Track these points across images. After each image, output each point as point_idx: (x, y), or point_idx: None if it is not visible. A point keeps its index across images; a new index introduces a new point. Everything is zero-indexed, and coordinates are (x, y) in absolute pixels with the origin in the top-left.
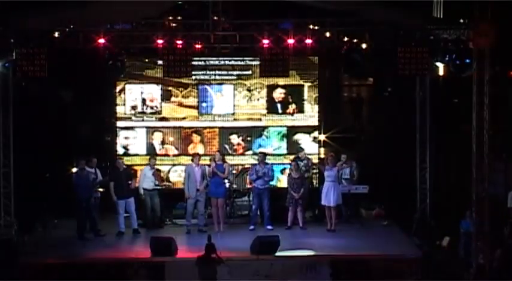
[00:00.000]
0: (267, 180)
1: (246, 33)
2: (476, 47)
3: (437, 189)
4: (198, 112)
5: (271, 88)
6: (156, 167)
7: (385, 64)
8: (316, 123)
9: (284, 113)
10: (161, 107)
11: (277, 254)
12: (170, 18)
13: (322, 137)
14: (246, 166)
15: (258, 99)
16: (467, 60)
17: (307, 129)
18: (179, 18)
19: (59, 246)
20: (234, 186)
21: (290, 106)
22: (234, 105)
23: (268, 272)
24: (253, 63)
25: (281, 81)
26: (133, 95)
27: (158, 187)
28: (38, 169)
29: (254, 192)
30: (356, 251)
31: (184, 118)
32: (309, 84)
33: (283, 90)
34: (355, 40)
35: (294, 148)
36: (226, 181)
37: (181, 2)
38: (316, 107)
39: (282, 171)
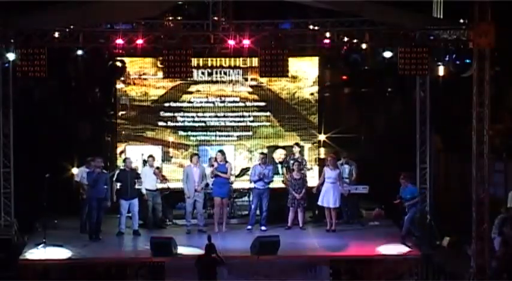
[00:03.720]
0: (267, 181)
1: (246, 33)
2: (476, 47)
3: (437, 189)
4: None
5: (271, 149)
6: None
7: (385, 64)
8: (316, 183)
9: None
10: (162, 168)
11: (277, 254)
12: (170, 18)
13: (322, 137)
14: (246, 167)
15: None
16: (467, 60)
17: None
18: (179, 18)
19: (59, 246)
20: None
21: None
22: (235, 166)
23: (268, 272)
24: (253, 124)
25: (281, 142)
26: (134, 156)
27: (160, 187)
28: (38, 169)
29: (254, 192)
30: (356, 251)
31: None
32: (309, 145)
33: (283, 151)
34: (355, 40)
35: None
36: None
37: (181, 2)
38: (316, 168)
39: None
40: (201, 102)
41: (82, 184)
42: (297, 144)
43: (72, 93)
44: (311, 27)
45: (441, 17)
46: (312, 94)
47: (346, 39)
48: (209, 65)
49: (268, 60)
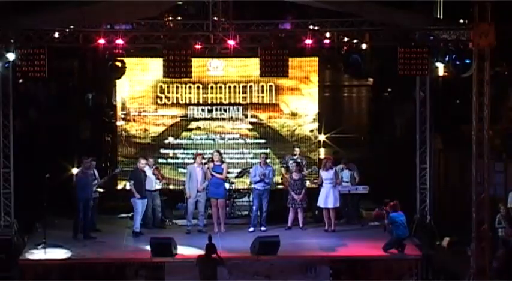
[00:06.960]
0: (267, 182)
1: (246, 33)
2: (476, 47)
3: (437, 190)
4: None
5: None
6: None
7: (385, 64)
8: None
9: None
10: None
11: (277, 254)
12: (170, 18)
13: (322, 137)
14: (246, 167)
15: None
16: (467, 61)
17: None
18: (179, 18)
19: (59, 246)
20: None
21: None
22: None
23: (268, 272)
24: (253, 161)
25: (280, 180)
26: None
27: (160, 188)
28: (38, 169)
29: (254, 193)
30: (356, 251)
31: None
32: (310, 181)
33: (282, 186)
34: (355, 40)
35: None
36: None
37: (181, 2)
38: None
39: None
40: (201, 139)
41: None
42: (296, 145)
43: (72, 93)
44: (311, 27)
45: (441, 17)
46: (311, 131)
47: (346, 39)
48: (209, 102)
49: (268, 60)
